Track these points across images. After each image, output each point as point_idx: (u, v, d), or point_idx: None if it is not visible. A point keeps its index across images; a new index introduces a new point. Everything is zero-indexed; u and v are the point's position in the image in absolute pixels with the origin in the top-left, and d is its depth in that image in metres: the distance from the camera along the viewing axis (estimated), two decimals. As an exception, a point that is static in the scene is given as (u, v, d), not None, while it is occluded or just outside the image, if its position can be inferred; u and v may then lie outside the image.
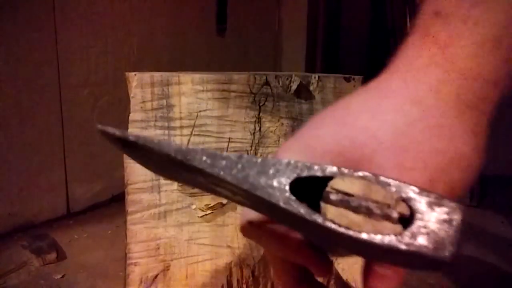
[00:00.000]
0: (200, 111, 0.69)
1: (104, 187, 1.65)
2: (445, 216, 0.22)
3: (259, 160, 0.24)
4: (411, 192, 0.23)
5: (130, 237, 0.70)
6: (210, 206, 0.70)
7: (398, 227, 0.22)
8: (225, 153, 0.24)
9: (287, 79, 0.72)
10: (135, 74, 0.67)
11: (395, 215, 0.22)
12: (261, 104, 0.71)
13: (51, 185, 1.50)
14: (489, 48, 0.25)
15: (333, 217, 0.22)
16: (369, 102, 0.27)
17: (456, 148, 0.25)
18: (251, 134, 0.71)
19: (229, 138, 0.70)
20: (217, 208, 0.71)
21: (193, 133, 0.70)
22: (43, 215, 1.48)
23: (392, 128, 0.25)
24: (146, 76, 0.67)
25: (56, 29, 1.44)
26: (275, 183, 0.23)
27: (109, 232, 1.46)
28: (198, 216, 0.71)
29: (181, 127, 0.69)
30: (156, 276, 0.71)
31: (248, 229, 0.29)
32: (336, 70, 2.57)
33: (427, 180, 0.24)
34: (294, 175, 0.24)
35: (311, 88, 0.75)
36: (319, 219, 0.22)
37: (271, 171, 0.23)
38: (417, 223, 0.22)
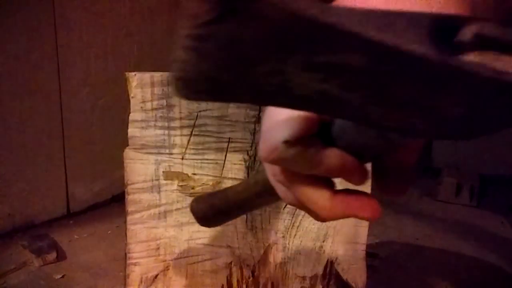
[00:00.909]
0: (200, 111, 0.69)
1: (104, 187, 1.65)
2: None
3: (386, 13, 0.21)
4: None
5: (130, 237, 0.70)
6: (210, 206, 0.70)
7: None
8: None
9: (287, 79, 0.72)
10: (135, 74, 0.67)
11: None
12: (261, 104, 0.71)
13: (51, 185, 1.50)
14: None
15: (484, 61, 0.20)
16: None
17: None
18: (251, 134, 0.71)
19: (229, 138, 0.70)
20: (217, 208, 0.71)
21: (193, 133, 0.70)
22: (43, 215, 1.48)
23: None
24: (146, 76, 0.67)
25: (56, 29, 1.44)
26: (412, 36, 0.20)
27: (109, 232, 1.46)
28: (198, 216, 0.71)
29: (181, 127, 0.69)
30: (156, 276, 0.71)
31: (282, 150, 0.27)
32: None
33: None
34: (428, 25, 0.21)
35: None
36: (472, 66, 0.19)
37: (403, 24, 0.20)
38: None
